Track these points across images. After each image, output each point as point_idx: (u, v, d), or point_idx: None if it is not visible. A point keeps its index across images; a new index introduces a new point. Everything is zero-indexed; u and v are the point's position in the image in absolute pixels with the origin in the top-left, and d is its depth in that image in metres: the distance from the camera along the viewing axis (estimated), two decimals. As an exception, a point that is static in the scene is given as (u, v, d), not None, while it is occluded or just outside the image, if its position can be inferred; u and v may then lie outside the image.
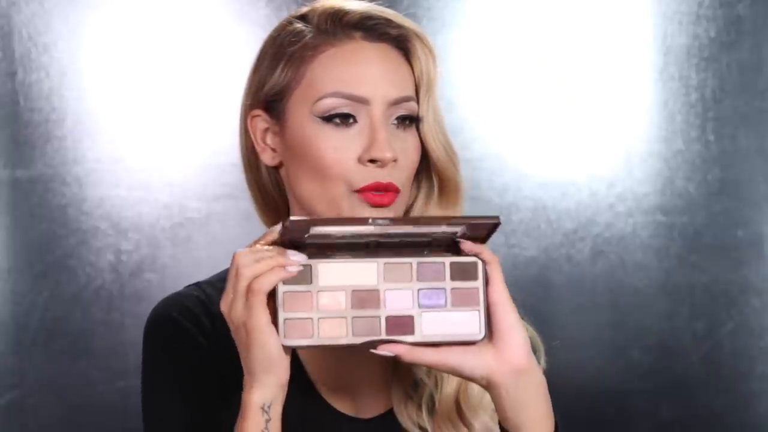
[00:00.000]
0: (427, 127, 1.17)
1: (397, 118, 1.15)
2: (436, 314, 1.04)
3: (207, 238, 2.10)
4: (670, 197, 2.20)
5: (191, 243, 2.10)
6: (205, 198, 2.11)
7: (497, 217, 1.03)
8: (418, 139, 1.16)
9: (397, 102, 1.14)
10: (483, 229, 1.04)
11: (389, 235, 1.03)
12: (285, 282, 1.02)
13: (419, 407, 1.19)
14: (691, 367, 2.20)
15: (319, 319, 1.02)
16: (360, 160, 1.12)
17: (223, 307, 1.04)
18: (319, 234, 1.01)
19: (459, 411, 1.18)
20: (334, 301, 1.03)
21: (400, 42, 1.16)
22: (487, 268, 1.05)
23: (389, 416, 1.19)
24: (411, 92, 1.16)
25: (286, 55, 1.16)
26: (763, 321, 2.21)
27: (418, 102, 1.16)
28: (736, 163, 2.20)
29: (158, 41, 2.10)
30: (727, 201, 2.20)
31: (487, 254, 1.05)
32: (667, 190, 2.20)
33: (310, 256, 1.03)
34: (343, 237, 1.02)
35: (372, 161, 1.12)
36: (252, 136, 1.18)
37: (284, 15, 2.06)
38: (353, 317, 1.03)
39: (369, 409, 1.19)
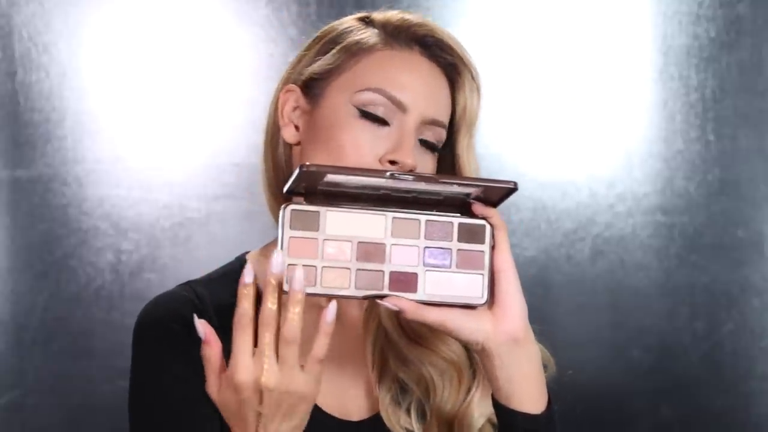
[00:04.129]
0: (462, 163, 1.19)
1: (421, 140, 1.15)
2: (440, 274, 1.03)
3: (207, 238, 2.10)
4: (670, 197, 2.20)
5: (191, 243, 2.10)
6: (205, 198, 2.10)
7: (513, 182, 1.02)
8: (435, 168, 1.18)
9: (431, 122, 1.15)
10: (497, 193, 1.03)
11: (401, 189, 1.01)
12: (292, 227, 1.00)
13: (408, 413, 1.19)
14: (691, 367, 2.20)
15: (323, 267, 1.00)
16: (380, 160, 1.12)
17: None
18: (333, 182, 0.99)
19: (452, 428, 1.18)
20: (340, 251, 1.01)
21: (450, 71, 1.19)
22: (495, 233, 1.05)
23: (378, 419, 1.19)
24: (445, 119, 1.17)
25: (345, 42, 1.17)
26: (763, 321, 2.20)
27: (449, 133, 1.18)
28: (736, 163, 2.20)
29: (158, 41, 2.10)
30: (727, 201, 2.20)
31: (497, 219, 1.05)
32: (667, 190, 2.19)
33: (320, 203, 1.01)
34: (355, 187, 1.00)
35: (392, 163, 1.12)
36: (279, 108, 1.19)
37: (284, 15, 2.08)
38: (357, 269, 1.01)
39: (357, 411, 1.19)
